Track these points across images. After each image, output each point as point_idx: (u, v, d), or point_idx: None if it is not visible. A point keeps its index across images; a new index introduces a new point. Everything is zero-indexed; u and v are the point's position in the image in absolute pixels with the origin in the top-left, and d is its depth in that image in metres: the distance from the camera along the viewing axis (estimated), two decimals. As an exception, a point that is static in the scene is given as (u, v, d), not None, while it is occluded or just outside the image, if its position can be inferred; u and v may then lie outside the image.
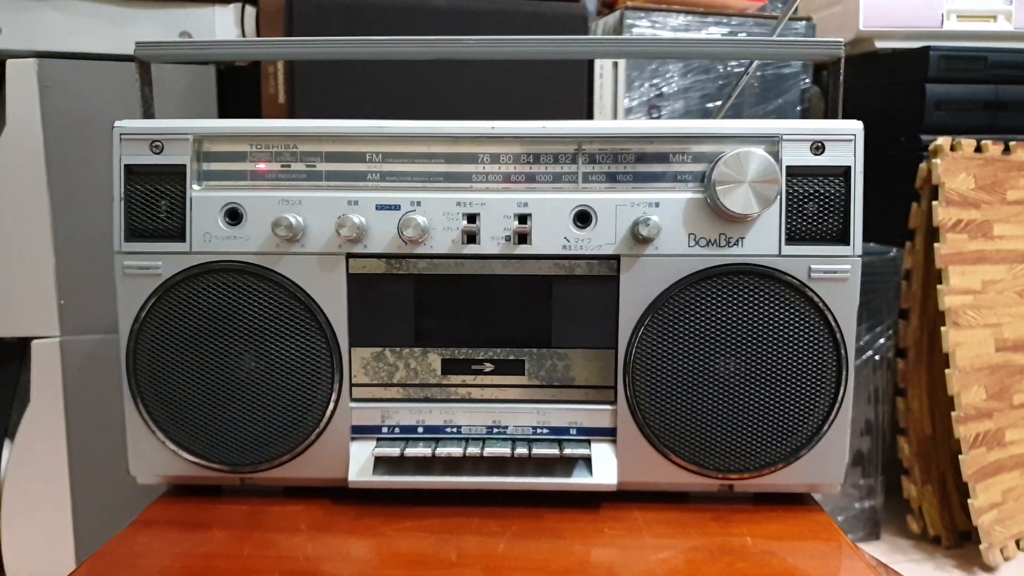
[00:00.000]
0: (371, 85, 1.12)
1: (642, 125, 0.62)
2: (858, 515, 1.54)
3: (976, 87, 1.59)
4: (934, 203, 1.43)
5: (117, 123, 0.62)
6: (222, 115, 1.28)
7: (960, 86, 1.59)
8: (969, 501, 1.43)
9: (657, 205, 0.61)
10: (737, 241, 0.61)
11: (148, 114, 0.66)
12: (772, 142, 0.61)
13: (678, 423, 0.62)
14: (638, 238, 0.60)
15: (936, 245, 1.43)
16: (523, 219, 0.61)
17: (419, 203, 0.61)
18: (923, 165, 1.47)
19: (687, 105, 1.48)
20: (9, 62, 1.16)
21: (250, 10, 1.26)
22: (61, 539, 1.22)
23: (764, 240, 0.61)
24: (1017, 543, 1.52)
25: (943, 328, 1.42)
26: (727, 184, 0.59)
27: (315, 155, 0.62)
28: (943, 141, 1.45)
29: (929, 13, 1.60)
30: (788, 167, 0.61)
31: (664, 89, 1.47)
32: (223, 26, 1.28)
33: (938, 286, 1.43)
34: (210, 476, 0.64)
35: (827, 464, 0.63)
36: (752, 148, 0.60)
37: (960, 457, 1.43)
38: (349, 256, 0.62)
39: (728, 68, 1.46)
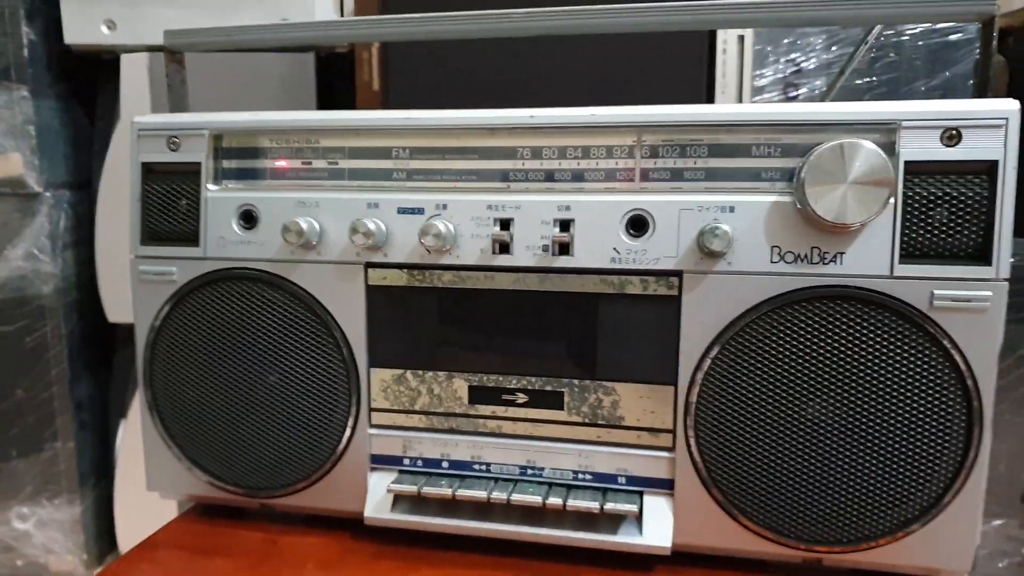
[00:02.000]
0: (470, 68, 1.04)
1: (716, 109, 0.50)
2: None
3: None
4: None
5: (136, 118, 0.58)
6: (321, 105, 1.26)
7: None
8: None
9: (732, 210, 0.49)
10: (835, 257, 0.48)
11: (178, 108, 0.62)
12: (888, 130, 0.47)
13: (752, 479, 0.50)
14: (706, 251, 0.49)
15: None
16: (564, 225, 0.51)
17: (445, 206, 0.53)
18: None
19: (830, 82, 1.30)
20: (123, 57, 1.19)
21: (348, -6, 1.23)
22: (167, 513, 1.27)
23: (871, 256, 0.47)
24: None
25: None
26: (821, 185, 0.46)
27: (338, 151, 0.56)
28: None
29: None
30: (908, 163, 0.47)
31: (803, 64, 1.29)
32: (323, 11, 1.25)
33: None
34: (229, 498, 0.59)
35: (948, 544, 0.49)
36: (857, 139, 0.46)
37: None
38: (368, 265, 0.55)
39: (882, 39, 1.26)
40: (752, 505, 0.50)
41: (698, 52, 1.12)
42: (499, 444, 0.55)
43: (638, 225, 0.51)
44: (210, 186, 0.57)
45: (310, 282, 0.55)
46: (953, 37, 1.31)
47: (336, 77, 1.26)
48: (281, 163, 0.56)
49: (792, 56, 1.31)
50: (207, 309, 0.57)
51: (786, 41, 1.29)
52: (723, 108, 0.50)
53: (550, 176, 0.52)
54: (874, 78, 1.27)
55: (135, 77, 1.21)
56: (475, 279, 0.53)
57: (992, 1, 0.50)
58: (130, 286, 0.58)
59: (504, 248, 0.52)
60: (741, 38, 1.30)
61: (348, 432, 0.56)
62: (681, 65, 1.11)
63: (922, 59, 1.31)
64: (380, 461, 0.57)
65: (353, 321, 0.55)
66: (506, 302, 0.53)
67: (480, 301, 0.53)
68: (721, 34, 1.25)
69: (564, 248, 0.51)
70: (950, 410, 0.47)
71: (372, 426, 0.56)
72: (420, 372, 0.55)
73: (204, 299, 0.57)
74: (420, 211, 0.53)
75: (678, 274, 0.50)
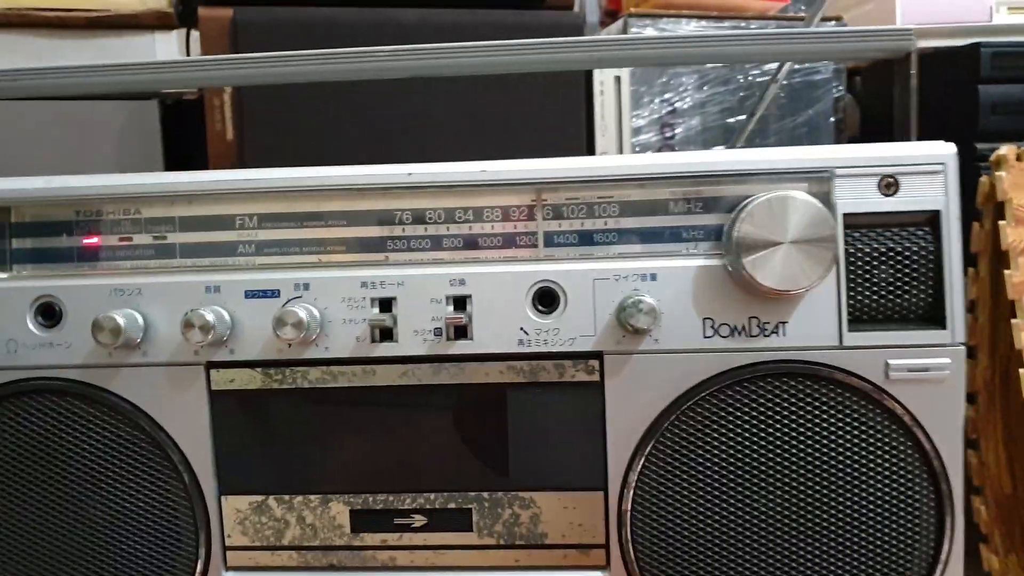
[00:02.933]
0: (332, 116, 0.94)
1: (626, 161, 0.43)
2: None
3: (1033, 86, 1.38)
4: (1000, 223, 1.21)
5: None
6: (169, 158, 1.11)
7: (1017, 86, 1.38)
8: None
9: (653, 278, 0.42)
10: (776, 328, 0.41)
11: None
12: (820, 179, 0.41)
13: (699, 595, 0.42)
14: (629, 328, 0.41)
15: (1006, 272, 1.21)
16: (459, 303, 0.42)
17: (307, 286, 0.42)
18: (984, 179, 1.26)
19: (705, 121, 1.29)
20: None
21: (196, 35, 1.10)
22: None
23: (816, 325, 0.41)
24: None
25: (1021, 370, 1.20)
26: (757, 249, 0.39)
27: (165, 222, 0.44)
28: (1007, 150, 1.24)
29: (976, 6, 1.40)
30: (847, 215, 0.41)
31: (677, 104, 1.28)
32: (166, 55, 1.12)
33: (1012, 320, 1.21)
34: None
35: (924, 649, 0.42)
36: (790, 191, 0.40)
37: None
38: (210, 366, 0.43)
39: (749, 78, 1.27)
40: (702, 626, 0.42)
41: (576, 96, 1.07)
42: (392, 579, 0.44)
43: (547, 299, 0.42)
44: (-7, 274, 0.44)
45: (135, 391, 0.43)
46: (816, 77, 1.34)
47: (186, 127, 1.12)
48: (91, 240, 0.44)
49: (666, 96, 1.30)
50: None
51: (660, 81, 1.27)
52: (633, 160, 0.43)
53: (437, 243, 0.43)
54: (743, 116, 1.27)
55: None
56: (351, 375, 0.43)
57: (909, 35, 0.46)
58: None
59: (386, 335, 0.42)
60: (618, 79, 1.27)
61: (195, 581, 0.44)
62: (560, 109, 1.05)
63: (787, 98, 1.33)
64: (240, 614, 0.44)
65: (194, 438, 0.43)
66: (392, 401, 0.43)
67: (359, 402, 0.43)
68: (598, 75, 1.22)
69: (461, 331, 0.42)
70: (917, 497, 0.41)
71: (228, 568, 0.44)
72: (286, 497, 0.44)
73: (-11, 423, 0.43)
74: (274, 294, 0.43)
75: (598, 355, 0.42)
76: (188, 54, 1.15)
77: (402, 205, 0.43)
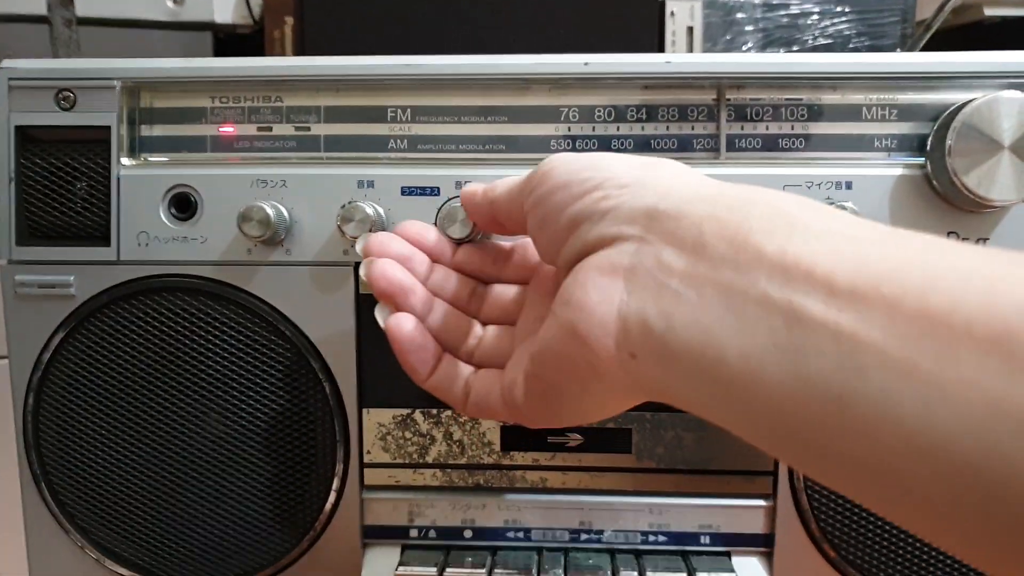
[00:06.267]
0: (405, 48, 0.89)
1: (820, 60, 0.39)
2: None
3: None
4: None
5: (5, 62, 0.40)
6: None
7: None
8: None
9: (849, 186, 0.38)
10: (976, 244, 0.38)
11: (67, 53, 0.44)
12: (1035, 85, 0.38)
13: (871, 529, 0.39)
14: (817, 239, 0.37)
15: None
16: (633, 209, 0.39)
17: (468, 183, 0.39)
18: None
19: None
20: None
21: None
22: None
23: (1017, 245, 0.38)
24: None
25: None
26: (972, 153, 0.36)
27: (310, 111, 0.41)
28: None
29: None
30: (1061, 125, 0.38)
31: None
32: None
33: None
34: (155, 596, 0.42)
35: None
36: (1008, 92, 0.36)
37: None
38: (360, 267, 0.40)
39: (817, 39, 1.22)
40: (873, 563, 0.40)
41: (648, 45, 1.03)
42: (543, 502, 0.41)
43: (728, 207, 0.39)
44: (124, 160, 0.40)
45: (276, 293, 0.40)
46: (884, 42, 1.29)
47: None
48: (228, 129, 0.41)
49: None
50: (123, 337, 0.40)
51: (724, 39, 1.23)
52: (828, 58, 0.39)
53: (605, 144, 0.40)
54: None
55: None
56: (511, 282, 0.40)
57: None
58: (2, 302, 0.40)
59: (552, 240, 0.39)
60: (690, 29, 1.23)
61: (332, 497, 0.41)
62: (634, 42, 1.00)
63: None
64: (378, 534, 0.42)
65: (338, 344, 0.40)
66: (554, 313, 0.40)
67: (518, 312, 0.40)
68: (670, 24, 1.17)
69: (634, 239, 0.39)
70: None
71: (366, 487, 0.41)
72: (434, 411, 0.41)
73: (118, 322, 0.40)
74: (434, 191, 0.39)
75: (780, 270, 0.39)
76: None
77: (570, 101, 0.40)
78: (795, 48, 1.31)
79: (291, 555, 0.41)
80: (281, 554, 0.41)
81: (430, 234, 0.36)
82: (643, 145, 0.40)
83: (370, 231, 0.37)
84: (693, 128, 0.40)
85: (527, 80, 0.39)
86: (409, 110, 0.40)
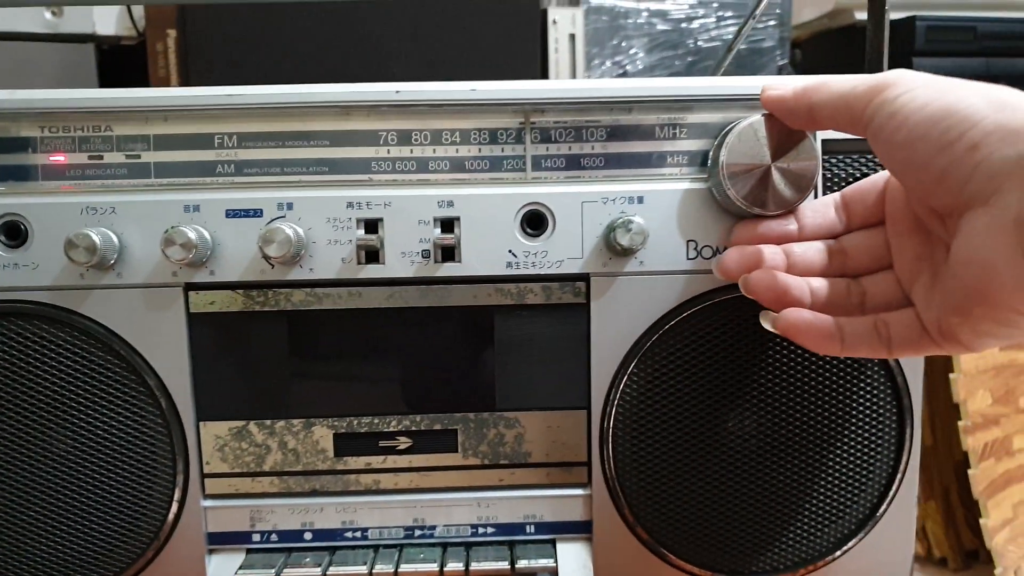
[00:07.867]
0: (279, 65, 0.91)
1: (615, 85, 0.43)
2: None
3: (965, 60, 1.44)
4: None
5: None
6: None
7: (948, 59, 1.44)
8: (981, 521, 1.28)
9: (641, 200, 0.42)
10: (757, 249, 0.42)
11: None
12: (801, 106, 0.42)
13: (680, 511, 0.43)
14: (616, 249, 0.41)
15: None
16: (447, 225, 0.42)
17: (290, 205, 0.42)
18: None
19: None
20: None
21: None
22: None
23: (793, 247, 0.42)
24: (1034, 564, 1.37)
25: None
26: (742, 168, 0.40)
27: (139, 140, 0.42)
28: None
29: (913, -21, 1.46)
30: (825, 141, 0.42)
31: (628, 67, 1.29)
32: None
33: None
34: (1, 615, 0.43)
35: (886, 556, 0.45)
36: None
37: (969, 472, 1.28)
38: (189, 287, 0.42)
39: (699, 43, 1.28)
40: (682, 542, 0.44)
41: (531, 53, 1.06)
42: (377, 503, 0.44)
43: (535, 222, 0.42)
44: (-50, 191, 0.41)
45: (109, 315, 0.42)
46: (763, 44, 1.36)
47: (125, 73, 1.07)
48: (58, 158, 0.42)
49: (617, 59, 1.30)
50: (-46, 361, 0.41)
51: (612, 44, 1.28)
52: (621, 83, 0.43)
53: (423, 166, 0.43)
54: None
55: None
56: (336, 297, 0.42)
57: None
58: None
59: (373, 256, 0.42)
60: (572, 37, 1.27)
61: (175, 508, 0.43)
62: (513, 68, 1.04)
63: (734, 64, 1.36)
64: (221, 540, 0.44)
65: (171, 362, 0.42)
66: (378, 323, 0.43)
67: (343, 325, 0.42)
68: (552, 32, 1.21)
69: (449, 253, 0.42)
70: (881, 410, 0.43)
71: (207, 496, 0.43)
72: (268, 422, 0.43)
73: (-51, 347, 0.41)
74: (257, 213, 0.42)
75: (585, 278, 0.43)
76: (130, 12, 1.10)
77: (388, 126, 0.42)
78: (680, 51, 1.37)
79: (136, 565, 0.43)
80: (127, 564, 0.43)
81: (770, 226, 0.39)
82: (458, 166, 0.43)
83: (192, 254, 0.39)
84: (503, 150, 0.43)
85: (345, 107, 0.42)
86: (235, 136, 0.42)
